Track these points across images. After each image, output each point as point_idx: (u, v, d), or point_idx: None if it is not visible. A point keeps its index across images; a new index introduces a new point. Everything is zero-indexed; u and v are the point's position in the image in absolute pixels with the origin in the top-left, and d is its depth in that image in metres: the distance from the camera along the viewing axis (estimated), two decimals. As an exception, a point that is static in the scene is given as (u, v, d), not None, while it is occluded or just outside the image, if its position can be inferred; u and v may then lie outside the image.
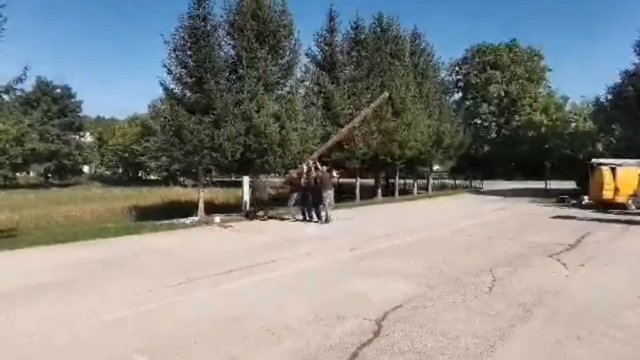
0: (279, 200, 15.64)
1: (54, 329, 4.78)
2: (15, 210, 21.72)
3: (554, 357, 4.09)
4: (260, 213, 15.07)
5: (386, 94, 19.03)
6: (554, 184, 30.53)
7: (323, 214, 13.95)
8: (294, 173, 15.06)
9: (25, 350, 4.28)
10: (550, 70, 59.47)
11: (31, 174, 55.79)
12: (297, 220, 14.37)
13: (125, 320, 5.09)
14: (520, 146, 51.50)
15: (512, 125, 55.65)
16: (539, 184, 33.34)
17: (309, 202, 14.32)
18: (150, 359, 4.04)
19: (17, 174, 50.65)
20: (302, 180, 14.36)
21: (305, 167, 14.47)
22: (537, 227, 13.16)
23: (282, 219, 14.64)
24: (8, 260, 8.63)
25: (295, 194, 14.70)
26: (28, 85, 46.70)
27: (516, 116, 55.58)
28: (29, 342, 4.46)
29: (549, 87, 59.83)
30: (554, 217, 15.48)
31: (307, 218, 14.34)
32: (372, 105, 17.97)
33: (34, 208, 23.34)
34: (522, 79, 55.85)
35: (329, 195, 14.02)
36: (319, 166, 14.62)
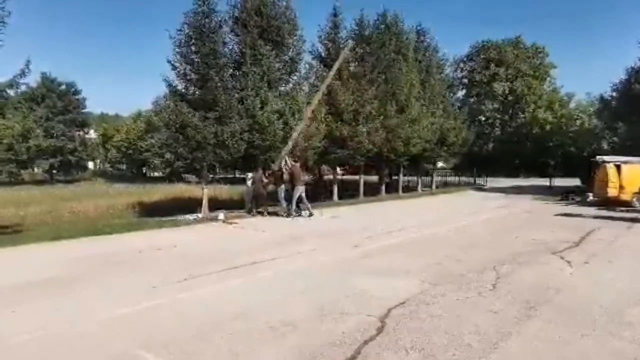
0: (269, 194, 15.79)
1: (58, 325, 4.82)
2: (20, 207, 21.86)
3: (558, 355, 4.09)
4: (261, 209, 15.13)
5: (350, 43, 18.79)
6: (558, 182, 30.46)
7: (302, 206, 14.49)
8: (275, 167, 15.30)
9: (29, 347, 4.30)
10: (555, 67, 59.17)
11: (36, 170, 56.00)
12: (293, 216, 14.45)
13: (128, 316, 5.12)
14: (524, 143, 51.32)
15: (516, 123, 55.47)
16: (543, 182, 33.26)
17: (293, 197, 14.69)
18: (154, 355, 4.06)
19: (22, 170, 50.89)
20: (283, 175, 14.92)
21: (282, 162, 14.94)
22: (541, 224, 13.12)
23: (282, 216, 14.68)
24: (13, 256, 8.69)
25: (283, 190, 14.99)
26: (33, 82, 46.88)
27: (520, 113, 55.40)
28: (34, 337, 4.49)
29: (554, 84, 59.56)
30: (558, 215, 15.43)
31: (298, 213, 14.58)
32: (338, 60, 17.83)
33: (39, 204, 23.46)
34: (526, 76, 55.61)
35: (299, 189, 14.44)
36: (289, 161, 15.03)
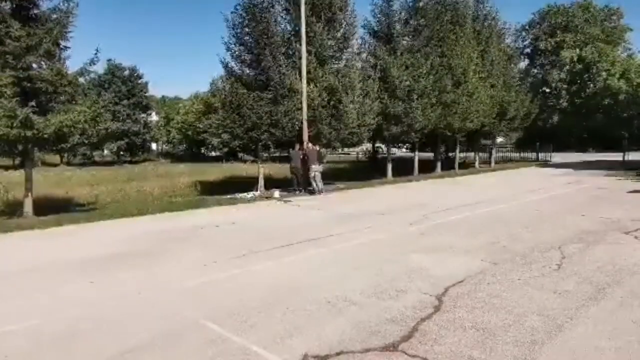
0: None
1: (130, 295, 5.19)
2: (93, 186, 23.47)
3: (630, 340, 3.86)
4: (301, 186, 15.35)
5: None
6: (634, 156, 28.24)
7: (314, 185, 15.06)
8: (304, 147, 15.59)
9: (108, 313, 4.68)
10: (630, 30, 54.19)
11: (105, 152, 59.71)
12: (319, 192, 14.94)
13: (193, 289, 5.41)
14: (594, 115, 47.84)
15: (585, 93, 51.63)
16: (616, 156, 30.97)
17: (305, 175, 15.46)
18: (218, 326, 4.27)
19: (93, 152, 54.55)
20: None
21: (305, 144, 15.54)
22: (612, 202, 12.26)
23: (316, 193, 14.92)
24: (88, 232, 9.41)
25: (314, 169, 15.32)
26: (100, 68, 49.56)
27: (590, 83, 51.44)
28: (112, 305, 4.88)
29: (629, 49, 54.64)
30: (632, 192, 14.33)
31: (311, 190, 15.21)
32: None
33: (109, 183, 25.04)
34: (597, 41, 51.38)
35: (314, 169, 15.01)
36: (306, 143, 15.46)
